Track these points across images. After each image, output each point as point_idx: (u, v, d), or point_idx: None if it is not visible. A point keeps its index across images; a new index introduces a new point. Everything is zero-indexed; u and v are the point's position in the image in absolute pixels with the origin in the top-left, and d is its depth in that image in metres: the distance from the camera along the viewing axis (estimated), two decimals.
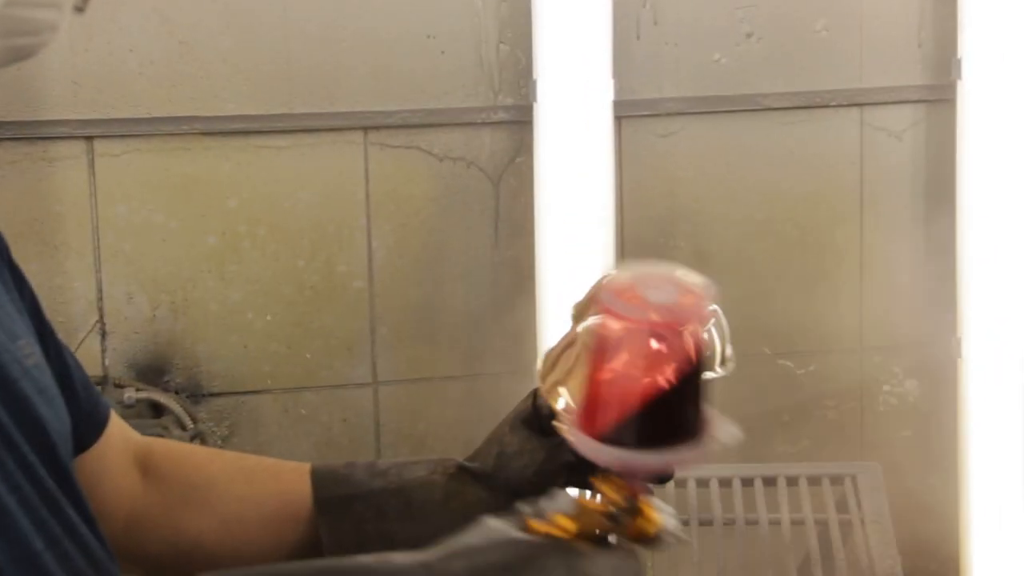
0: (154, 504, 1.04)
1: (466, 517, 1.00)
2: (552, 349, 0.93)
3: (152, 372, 2.44)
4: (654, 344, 0.71)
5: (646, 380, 0.71)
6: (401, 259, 2.47)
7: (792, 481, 1.85)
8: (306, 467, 1.03)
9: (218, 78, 2.39)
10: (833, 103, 2.53)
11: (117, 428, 1.03)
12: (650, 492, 0.75)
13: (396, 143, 2.45)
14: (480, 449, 1.03)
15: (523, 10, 2.39)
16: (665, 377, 0.71)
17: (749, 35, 2.50)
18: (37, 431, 0.86)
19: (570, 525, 0.72)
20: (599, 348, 0.73)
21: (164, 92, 2.38)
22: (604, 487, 0.73)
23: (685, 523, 1.74)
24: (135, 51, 2.36)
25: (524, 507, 0.74)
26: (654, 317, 0.71)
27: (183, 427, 2.38)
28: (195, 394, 2.45)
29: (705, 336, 0.74)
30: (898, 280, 2.59)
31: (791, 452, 2.59)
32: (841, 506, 1.79)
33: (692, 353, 0.72)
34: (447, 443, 2.51)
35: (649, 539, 0.73)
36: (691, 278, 0.74)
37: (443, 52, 2.44)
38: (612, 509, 0.73)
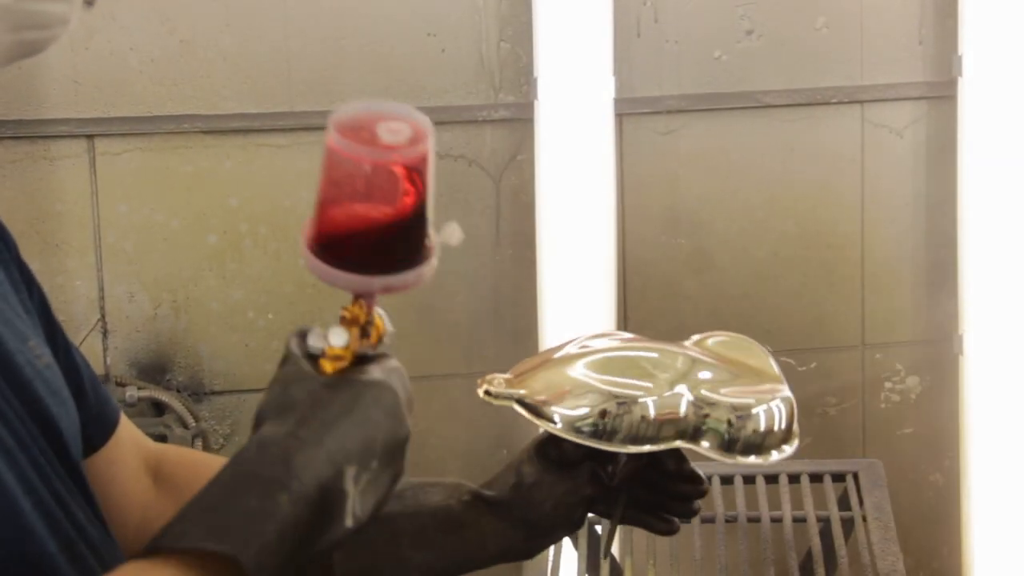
0: (167, 511, 1.04)
1: (481, 547, 1.01)
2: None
3: (154, 371, 2.44)
4: (391, 182, 0.81)
5: (377, 213, 0.81)
6: None
7: (794, 478, 1.85)
8: None
9: (219, 77, 2.39)
10: (834, 100, 2.53)
11: (128, 433, 1.03)
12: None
13: None
14: (498, 476, 1.04)
15: (524, 8, 2.39)
16: (396, 209, 0.81)
17: (749, 32, 2.50)
18: (50, 432, 0.86)
19: (346, 353, 0.82)
20: (335, 180, 0.82)
21: (165, 91, 2.38)
22: (353, 309, 0.83)
23: (686, 521, 1.74)
24: (136, 50, 2.36)
25: (299, 347, 0.84)
26: (391, 156, 0.80)
27: (185, 425, 2.38)
28: (197, 392, 2.45)
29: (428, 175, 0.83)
30: (899, 277, 2.59)
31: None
32: (843, 503, 1.78)
33: (418, 190, 0.82)
34: (448, 441, 2.51)
35: (382, 344, 0.85)
36: (415, 115, 0.82)
37: (444, 50, 2.44)
38: (364, 326, 0.83)
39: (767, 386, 1.05)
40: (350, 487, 0.78)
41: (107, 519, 0.95)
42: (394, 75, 2.43)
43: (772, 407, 1.03)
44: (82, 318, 2.39)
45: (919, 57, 2.54)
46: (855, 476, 1.82)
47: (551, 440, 1.02)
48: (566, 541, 1.72)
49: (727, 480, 1.84)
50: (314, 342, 0.83)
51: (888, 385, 2.62)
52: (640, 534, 1.88)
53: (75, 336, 2.38)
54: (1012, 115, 2.39)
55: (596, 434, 0.99)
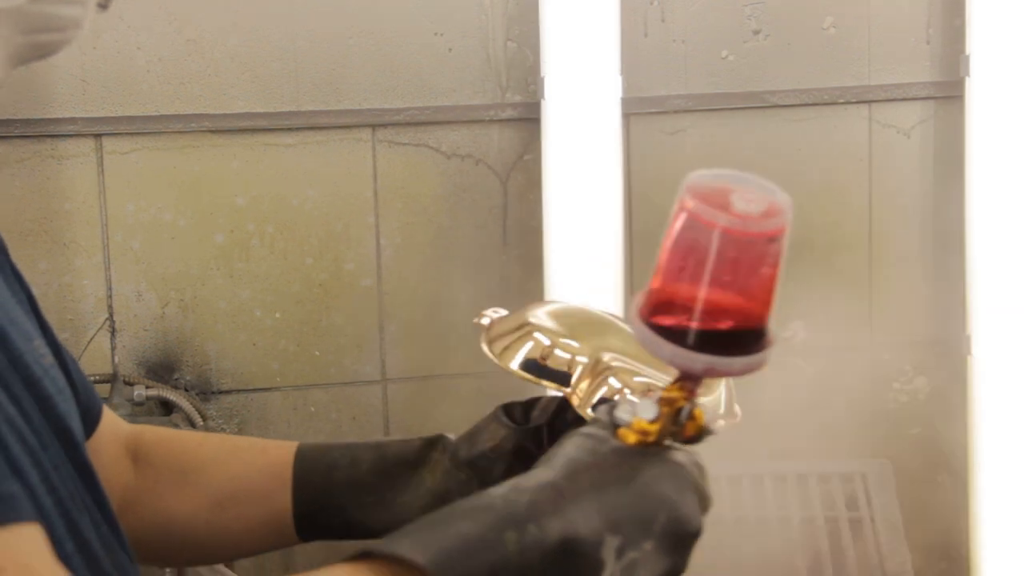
0: (145, 490, 1.05)
1: (426, 481, 1.02)
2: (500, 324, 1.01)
3: (162, 369, 2.44)
4: (741, 254, 0.73)
5: (720, 287, 0.74)
6: (409, 256, 2.47)
7: (802, 479, 1.85)
8: (294, 444, 1.06)
9: (226, 76, 2.39)
10: (841, 100, 2.53)
11: (107, 419, 1.04)
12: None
13: (404, 140, 2.46)
14: (469, 430, 1.06)
15: (531, 7, 2.39)
16: (740, 286, 0.74)
17: (757, 32, 2.50)
18: (62, 431, 0.86)
19: (651, 429, 0.75)
20: (681, 246, 0.76)
21: (172, 90, 2.38)
22: (673, 391, 0.76)
23: None
24: (143, 49, 2.36)
25: (607, 415, 0.77)
26: (758, 228, 0.73)
27: (193, 424, 2.38)
28: (205, 391, 2.45)
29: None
30: (907, 277, 2.59)
31: (801, 450, 2.58)
32: (851, 504, 1.78)
33: (780, 263, 0.74)
34: None
35: (696, 438, 0.78)
36: (771, 186, 0.76)
37: (451, 49, 2.44)
38: (677, 411, 0.76)
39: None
40: (609, 558, 0.71)
41: None
42: (401, 74, 2.43)
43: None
44: (90, 317, 2.39)
45: (927, 57, 2.54)
46: (863, 477, 1.82)
47: (520, 403, 1.04)
48: None
49: (735, 481, 1.84)
50: (621, 415, 0.77)
51: (896, 386, 2.62)
52: None
53: (83, 335, 2.38)
54: (1020, 115, 2.39)
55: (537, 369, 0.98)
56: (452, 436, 1.05)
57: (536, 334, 1.00)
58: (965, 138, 2.45)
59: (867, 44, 2.53)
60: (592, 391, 0.95)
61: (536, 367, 0.99)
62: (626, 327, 1.04)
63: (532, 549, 0.69)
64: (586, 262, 2.36)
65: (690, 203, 0.76)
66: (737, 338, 0.75)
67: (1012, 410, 2.42)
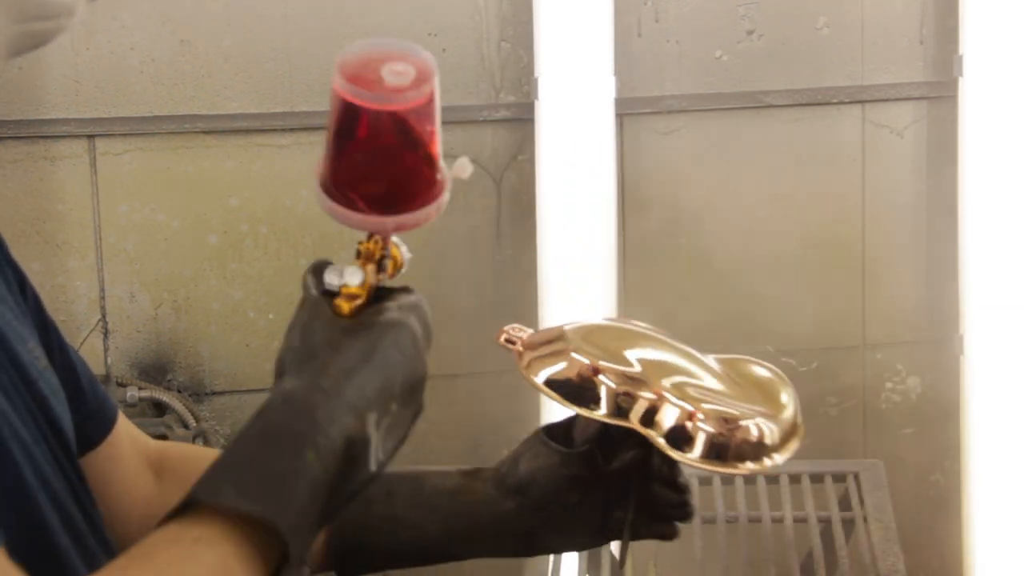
0: (170, 505, 1.04)
1: (473, 512, 1.00)
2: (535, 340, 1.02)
3: (154, 371, 2.44)
4: (397, 126, 0.80)
5: (386, 155, 0.81)
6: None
7: (795, 479, 1.85)
8: None
9: (219, 77, 2.39)
10: (835, 100, 2.53)
11: (126, 430, 1.03)
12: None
13: None
14: (503, 459, 1.04)
15: (525, 8, 2.39)
16: (404, 151, 0.82)
17: (750, 32, 2.50)
18: (56, 431, 0.87)
19: (360, 290, 0.83)
20: (342, 125, 0.81)
21: (165, 91, 2.38)
22: (368, 245, 0.85)
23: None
24: (136, 50, 2.36)
25: (311, 281, 0.84)
26: (416, 98, 0.80)
27: (186, 426, 2.38)
28: (197, 393, 2.45)
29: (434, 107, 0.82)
30: (900, 277, 2.59)
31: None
32: (844, 503, 1.78)
33: (426, 130, 0.81)
34: (449, 441, 2.51)
35: (400, 270, 0.87)
36: (420, 54, 0.81)
37: (444, 50, 2.44)
38: (379, 260, 0.85)
39: (762, 408, 1.03)
40: (372, 433, 0.78)
41: (109, 515, 0.95)
42: None
43: (759, 421, 1.01)
44: (83, 318, 2.39)
45: (920, 57, 2.54)
46: (856, 476, 1.82)
47: (559, 425, 1.02)
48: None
49: (728, 481, 1.84)
50: (330, 279, 0.84)
51: (889, 385, 2.62)
52: None
53: (76, 336, 2.38)
54: (1012, 115, 2.39)
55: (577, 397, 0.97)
56: (488, 468, 1.03)
57: (574, 354, 0.99)
58: (958, 138, 2.45)
59: (860, 44, 2.53)
60: (664, 419, 0.96)
61: (568, 387, 0.98)
62: (664, 338, 1.04)
63: (328, 457, 0.75)
64: (580, 262, 2.36)
65: (341, 85, 0.80)
66: (412, 191, 0.84)
67: (1005, 409, 2.42)
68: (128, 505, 1.02)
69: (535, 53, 2.36)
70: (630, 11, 2.45)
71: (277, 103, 2.41)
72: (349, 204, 0.83)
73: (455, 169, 0.85)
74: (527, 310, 2.43)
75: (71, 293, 2.39)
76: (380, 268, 0.85)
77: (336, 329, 0.82)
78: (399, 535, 1.01)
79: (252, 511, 0.73)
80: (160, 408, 2.40)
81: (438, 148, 0.83)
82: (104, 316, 2.41)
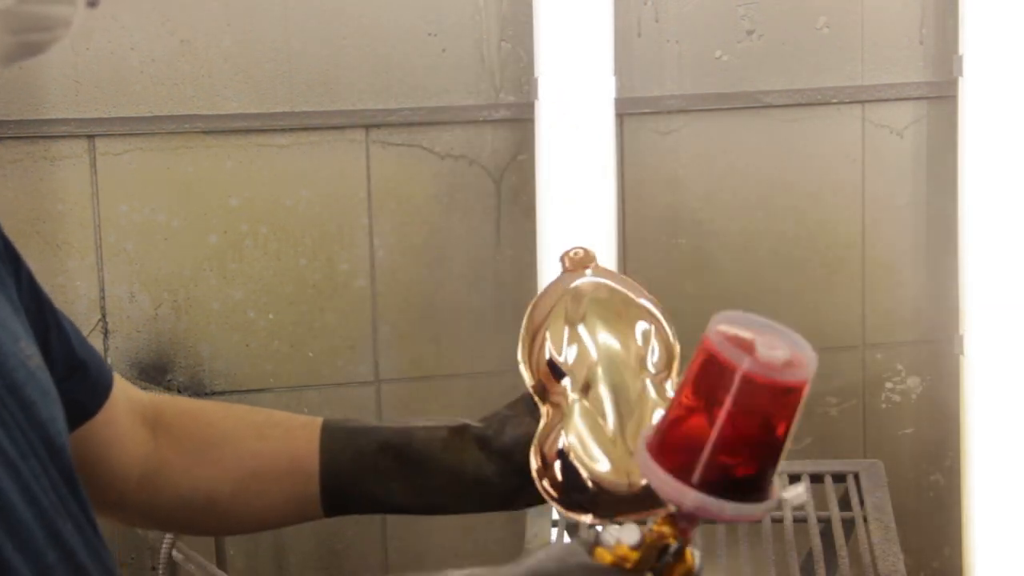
0: (167, 462, 1.05)
1: (459, 471, 1.01)
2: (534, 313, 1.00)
3: (155, 371, 2.44)
4: (759, 401, 0.73)
5: (731, 429, 0.73)
6: (403, 257, 2.47)
7: (794, 479, 1.85)
8: (318, 421, 1.05)
9: (219, 77, 2.39)
10: (835, 100, 2.53)
11: (121, 389, 1.03)
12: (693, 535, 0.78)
13: (398, 141, 2.46)
14: (490, 416, 1.05)
15: (524, 8, 2.39)
16: (774, 434, 0.74)
17: (750, 32, 2.50)
18: (45, 437, 0.86)
19: (632, 556, 0.75)
20: (701, 381, 0.74)
21: (165, 91, 2.38)
22: (663, 526, 0.76)
23: None
24: (136, 50, 2.36)
25: (591, 532, 0.76)
26: (780, 377, 0.73)
27: None
28: (198, 392, 2.45)
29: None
30: (900, 277, 2.59)
31: (793, 450, 2.58)
32: (844, 504, 1.78)
33: (796, 416, 0.75)
34: None
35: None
36: (799, 339, 0.76)
37: (444, 50, 2.44)
38: (664, 547, 0.76)
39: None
40: None
41: (110, 476, 0.96)
42: (395, 75, 2.43)
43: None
44: (83, 318, 2.39)
45: (920, 57, 2.54)
46: (856, 476, 1.82)
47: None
48: (566, 541, 1.72)
49: None
50: (606, 535, 0.76)
51: (889, 385, 2.62)
52: None
53: None
54: (1012, 115, 2.39)
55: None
56: (475, 424, 1.04)
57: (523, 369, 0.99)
58: (958, 138, 2.45)
59: (860, 44, 2.53)
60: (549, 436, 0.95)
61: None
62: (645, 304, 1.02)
63: None
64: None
65: (713, 342, 0.75)
66: (739, 484, 0.75)
67: (1004, 409, 2.42)
68: (127, 465, 1.02)
69: (535, 53, 2.36)
70: (630, 11, 2.45)
71: (277, 103, 2.41)
72: (665, 464, 0.75)
73: (789, 491, 0.78)
74: (526, 309, 2.42)
75: (71, 293, 2.39)
76: (661, 556, 0.76)
77: (577, 564, 0.75)
78: (388, 486, 1.02)
79: None
80: None
81: (784, 453, 0.76)
82: (104, 316, 2.41)
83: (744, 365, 0.73)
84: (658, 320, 1.03)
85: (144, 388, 2.39)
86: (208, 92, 2.39)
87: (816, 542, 1.67)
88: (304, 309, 2.46)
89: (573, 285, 1.07)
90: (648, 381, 0.97)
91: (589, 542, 0.77)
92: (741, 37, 2.50)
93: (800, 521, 1.73)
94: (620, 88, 2.38)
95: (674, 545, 0.76)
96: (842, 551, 1.65)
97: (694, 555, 0.77)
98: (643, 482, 0.89)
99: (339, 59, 2.41)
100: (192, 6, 2.36)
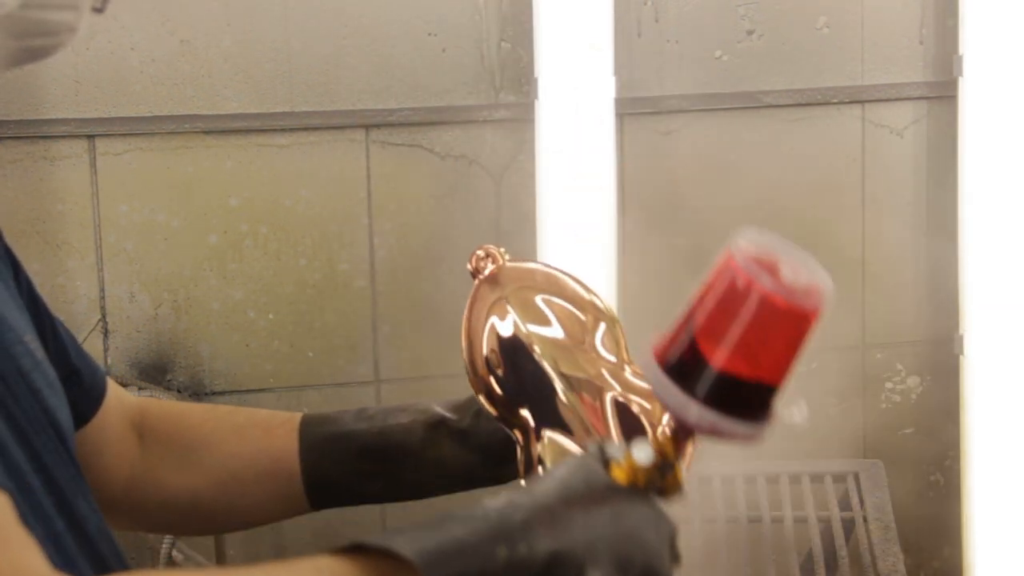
0: (151, 467, 1.06)
1: (440, 468, 1.03)
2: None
3: (154, 371, 2.44)
4: (775, 322, 0.74)
5: (744, 349, 0.74)
6: (403, 257, 2.47)
7: (795, 479, 1.85)
8: (296, 418, 1.06)
9: (219, 76, 2.39)
10: (835, 100, 2.53)
11: (113, 395, 1.05)
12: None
13: (398, 141, 2.45)
14: (463, 403, 1.07)
15: (525, 7, 2.39)
16: (784, 358, 0.75)
17: (751, 32, 2.50)
18: (54, 422, 0.87)
19: (643, 471, 0.76)
20: (715, 298, 0.75)
21: (165, 91, 2.38)
22: (667, 443, 0.77)
23: (687, 521, 1.75)
24: (136, 50, 2.36)
25: (599, 448, 0.78)
26: (798, 302, 0.73)
27: None
28: (197, 393, 2.45)
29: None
30: (900, 277, 2.59)
31: (794, 450, 2.59)
32: (844, 504, 1.78)
33: (805, 342, 0.76)
34: None
35: (670, 494, 0.79)
36: (818, 268, 0.76)
37: (444, 50, 2.44)
38: (663, 462, 0.77)
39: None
40: None
41: (97, 483, 0.97)
42: (395, 75, 2.43)
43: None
44: (83, 318, 2.39)
45: (920, 57, 2.54)
46: (856, 477, 1.82)
47: None
48: None
49: (728, 481, 1.84)
50: (613, 451, 0.78)
51: (889, 385, 2.62)
52: None
53: (76, 336, 2.38)
54: (1012, 115, 2.39)
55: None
56: (450, 416, 1.05)
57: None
58: (958, 138, 2.45)
59: (860, 44, 2.53)
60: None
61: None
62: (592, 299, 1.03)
63: (519, 566, 0.71)
64: (580, 263, 2.36)
65: (737, 259, 0.75)
66: (743, 403, 0.76)
67: (1004, 409, 2.42)
68: (115, 469, 1.04)
69: (535, 53, 2.36)
70: (630, 11, 2.45)
71: (277, 103, 2.41)
72: (676, 380, 0.75)
73: (791, 409, 0.78)
74: None
75: (71, 293, 2.39)
76: (662, 471, 0.77)
77: (603, 483, 0.76)
78: (373, 484, 1.04)
79: (405, 554, 0.70)
80: None
81: (789, 375, 0.77)
82: (104, 316, 2.41)
83: (766, 286, 0.74)
84: (588, 298, 1.05)
85: (144, 388, 2.40)
86: (208, 92, 2.39)
87: (816, 542, 1.67)
88: (304, 309, 2.46)
89: (493, 299, 1.09)
90: (603, 369, 0.98)
91: (600, 459, 0.78)
92: (741, 37, 2.50)
93: (800, 521, 1.73)
94: (620, 88, 2.38)
95: (671, 463, 0.77)
96: (842, 551, 1.66)
97: (685, 470, 0.79)
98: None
99: (339, 59, 2.41)
100: (192, 6, 2.36)
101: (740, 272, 0.75)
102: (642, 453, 0.77)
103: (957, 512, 2.51)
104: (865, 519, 1.73)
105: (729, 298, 0.75)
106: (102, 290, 2.40)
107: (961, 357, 2.47)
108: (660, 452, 0.77)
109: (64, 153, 2.36)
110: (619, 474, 0.76)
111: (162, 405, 1.12)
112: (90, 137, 2.36)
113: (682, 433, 0.77)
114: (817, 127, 2.54)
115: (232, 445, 1.06)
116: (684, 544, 1.57)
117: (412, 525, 0.74)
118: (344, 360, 2.48)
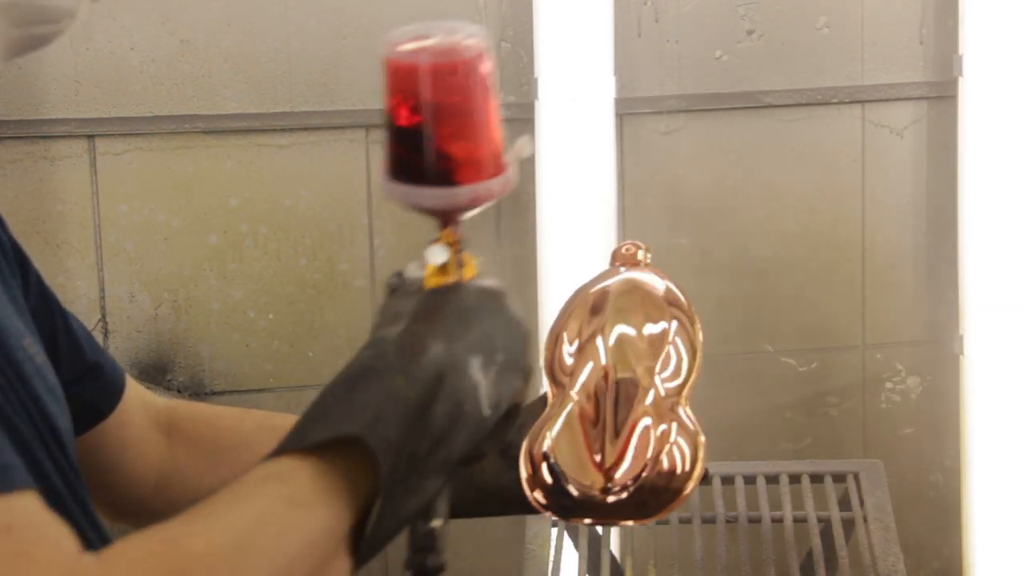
0: (184, 466, 1.06)
1: (479, 480, 1.02)
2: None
3: (155, 371, 2.44)
4: (451, 82, 0.80)
5: (445, 118, 0.80)
6: (403, 257, 2.47)
7: (794, 479, 1.85)
8: None
9: (219, 76, 2.39)
10: (834, 100, 2.53)
11: (135, 394, 1.04)
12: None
13: None
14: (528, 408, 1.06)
15: (525, 7, 2.39)
16: (461, 113, 0.80)
17: (750, 32, 2.50)
18: (53, 429, 0.87)
19: (447, 271, 0.84)
20: (396, 95, 0.80)
21: (165, 91, 2.38)
22: (449, 236, 0.84)
23: (687, 521, 1.74)
24: (136, 49, 2.36)
25: (394, 280, 0.85)
26: (416, 59, 0.80)
27: None
28: (198, 393, 2.45)
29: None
30: (900, 277, 2.59)
31: (793, 450, 2.59)
32: (844, 504, 1.78)
33: (480, 88, 0.81)
34: None
35: (471, 274, 0.86)
36: (470, 29, 0.83)
37: None
38: (454, 253, 0.84)
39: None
40: (479, 376, 0.78)
41: (124, 480, 0.96)
42: None
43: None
44: (83, 318, 2.37)
45: (920, 57, 2.54)
46: (856, 476, 1.82)
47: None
48: (566, 541, 1.72)
49: (728, 480, 1.84)
50: (413, 271, 0.85)
51: (889, 385, 2.62)
52: (640, 533, 1.88)
53: None
54: (1012, 115, 2.39)
55: None
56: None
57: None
58: (958, 138, 2.45)
59: (860, 44, 2.53)
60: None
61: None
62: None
63: (420, 384, 0.75)
64: (580, 263, 2.36)
65: (385, 51, 0.81)
66: (478, 161, 0.82)
67: (1005, 409, 2.42)
68: (143, 468, 1.03)
69: (535, 53, 2.36)
70: (630, 11, 2.45)
71: (277, 103, 2.41)
72: (417, 182, 0.82)
73: (515, 148, 0.85)
74: (526, 310, 2.42)
75: (71, 293, 2.39)
76: (459, 263, 0.84)
77: (427, 294, 0.82)
78: (407, 503, 1.03)
79: (337, 435, 0.72)
80: None
81: (500, 123, 0.83)
82: (104, 316, 2.41)
83: (388, 54, 0.81)
84: (684, 325, 1.05)
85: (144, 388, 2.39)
86: (208, 92, 2.39)
87: (816, 542, 1.67)
88: (304, 309, 2.46)
89: (604, 284, 1.09)
90: (651, 390, 0.97)
91: (408, 283, 0.84)
92: (741, 37, 2.50)
93: (800, 521, 1.73)
94: (620, 88, 2.38)
95: (459, 256, 0.84)
96: (842, 551, 1.66)
97: (471, 255, 0.85)
98: (619, 494, 0.90)
99: (339, 59, 2.41)
100: (192, 6, 2.37)
101: (390, 60, 0.81)
102: (438, 255, 0.84)
103: (957, 512, 2.51)
104: (865, 519, 1.73)
105: (392, 83, 0.81)
106: (102, 290, 2.40)
107: (961, 357, 2.47)
108: (451, 245, 0.84)
109: (64, 153, 2.36)
110: (434, 281, 0.83)
111: (191, 407, 1.12)
112: (90, 137, 2.36)
113: (444, 219, 0.85)
114: (817, 127, 2.54)
115: (269, 447, 1.06)
116: (684, 544, 1.58)
117: (311, 415, 0.76)
118: (344, 360, 2.47)
